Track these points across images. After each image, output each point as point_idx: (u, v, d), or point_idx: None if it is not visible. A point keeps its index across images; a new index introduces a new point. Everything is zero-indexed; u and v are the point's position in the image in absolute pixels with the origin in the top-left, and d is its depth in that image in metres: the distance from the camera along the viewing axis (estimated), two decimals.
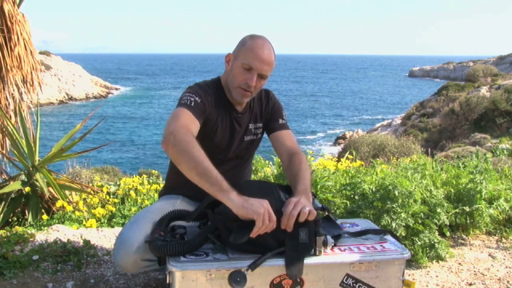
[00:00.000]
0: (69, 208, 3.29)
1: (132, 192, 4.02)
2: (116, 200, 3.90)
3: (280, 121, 1.94)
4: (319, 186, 2.83)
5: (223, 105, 1.84)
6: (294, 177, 1.69)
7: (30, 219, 3.28)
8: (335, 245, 1.55)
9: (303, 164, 1.74)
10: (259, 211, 1.38)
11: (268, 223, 1.40)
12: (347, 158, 3.86)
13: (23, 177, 3.48)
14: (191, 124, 1.63)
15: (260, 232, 1.40)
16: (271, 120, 1.94)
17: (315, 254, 1.48)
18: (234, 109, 1.87)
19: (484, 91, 17.51)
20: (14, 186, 3.36)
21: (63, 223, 3.21)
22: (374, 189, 2.60)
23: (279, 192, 1.62)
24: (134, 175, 5.31)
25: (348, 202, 2.69)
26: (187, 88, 1.80)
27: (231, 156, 1.90)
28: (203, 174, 1.46)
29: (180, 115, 1.63)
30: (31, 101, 3.93)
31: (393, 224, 2.37)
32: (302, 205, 1.45)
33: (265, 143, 2.15)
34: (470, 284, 2.24)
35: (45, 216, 3.26)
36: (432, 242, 2.41)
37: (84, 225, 3.17)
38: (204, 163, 1.47)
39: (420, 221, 2.47)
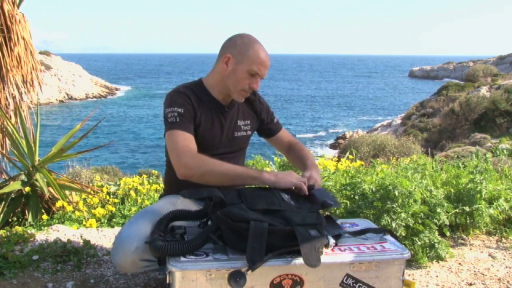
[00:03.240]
0: (69, 208, 3.29)
1: (132, 192, 4.01)
2: (116, 200, 3.90)
3: (275, 120, 2.08)
4: None
5: (206, 104, 1.86)
6: (299, 156, 1.98)
7: (30, 219, 3.28)
8: (336, 245, 1.55)
9: (305, 149, 2.03)
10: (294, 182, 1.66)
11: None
12: (347, 158, 3.86)
13: (23, 177, 3.48)
14: (188, 142, 1.71)
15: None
16: (267, 122, 2.06)
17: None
18: (220, 105, 1.89)
19: (484, 91, 17.51)
20: (14, 186, 3.37)
21: (63, 223, 3.20)
22: (374, 189, 2.59)
23: (279, 192, 1.63)
24: (134, 175, 5.30)
25: (348, 202, 2.69)
26: (167, 99, 1.81)
27: (222, 151, 1.90)
28: (233, 179, 1.67)
29: (175, 141, 1.70)
30: (31, 101, 3.92)
31: (393, 224, 2.37)
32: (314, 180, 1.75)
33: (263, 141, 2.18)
34: (470, 284, 2.24)
35: (45, 216, 3.26)
36: (432, 242, 2.41)
37: (84, 225, 3.17)
38: (226, 170, 1.67)
39: (420, 221, 2.47)
